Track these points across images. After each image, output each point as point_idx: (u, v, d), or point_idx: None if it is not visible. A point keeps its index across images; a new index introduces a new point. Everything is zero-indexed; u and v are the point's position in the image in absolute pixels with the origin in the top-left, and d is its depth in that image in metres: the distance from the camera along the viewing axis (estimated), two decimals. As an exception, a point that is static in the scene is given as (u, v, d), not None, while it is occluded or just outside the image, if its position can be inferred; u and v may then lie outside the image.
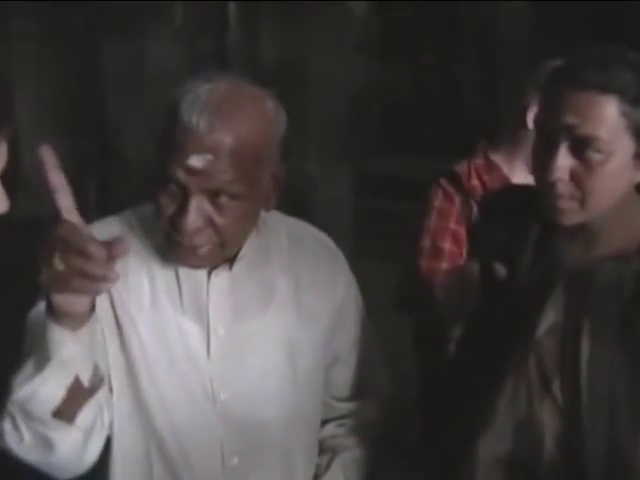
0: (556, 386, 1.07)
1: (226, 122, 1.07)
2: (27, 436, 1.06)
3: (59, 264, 0.95)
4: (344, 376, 1.36)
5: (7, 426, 1.07)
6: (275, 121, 1.14)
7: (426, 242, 1.93)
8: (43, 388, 1.03)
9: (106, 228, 1.22)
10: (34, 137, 5.75)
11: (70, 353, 1.03)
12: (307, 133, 5.31)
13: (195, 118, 1.06)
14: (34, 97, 5.25)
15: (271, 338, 1.23)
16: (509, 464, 1.09)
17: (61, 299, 0.99)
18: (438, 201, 1.95)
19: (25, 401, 1.04)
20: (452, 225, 1.92)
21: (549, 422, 1.07)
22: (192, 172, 1.07)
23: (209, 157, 1.06)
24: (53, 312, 1.01)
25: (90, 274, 0.95)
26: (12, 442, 1.07)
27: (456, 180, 1.95)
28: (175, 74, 5.11)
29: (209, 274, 1.19)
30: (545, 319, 1.07)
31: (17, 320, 1.28)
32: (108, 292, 1.18)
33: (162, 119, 1.11)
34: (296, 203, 4.32)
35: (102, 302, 1.18)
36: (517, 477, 1.09)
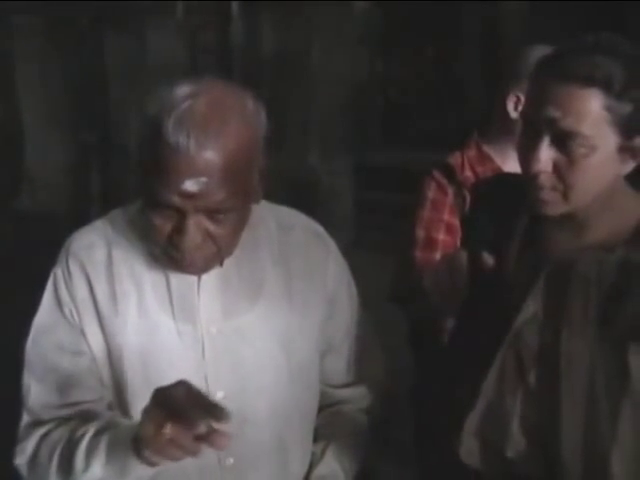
0: (532, 376, 1.08)
1: (215, 140, 1.04)
2: None
3: (167, 432, 0.98)
4: (337, 363, 1.35)
5: None
6: (258, 122, 1.12)
7: (420, 233, 1.94)
8: None
9: (92, 234, 1.24)
10: (38, 132, 5.76)
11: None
12: (308, 126, 5.32)
13: (183, 140, 1.02)
14: (37, 92, 5.27)
15: (264, 330, 1.23)
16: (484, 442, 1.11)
17: (150, 454, 1.03)
18: (431, 193, 1.96)
19: None
20: (446, 216, 1.93)
21: (520, 411, 1.08)
22: (188, 196, 1.05)
23: (203, 179, 1.04)
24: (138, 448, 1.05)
25: (189, 449, 0.99)
26: None
27: (449, 172, 1.96)
28: (177, 68, 5.11)
29: (199, 275, 1.19)
30: (525, 310, 1.08)
31: (18, 311, 1.30)
32: (94, 306, 1.20)
33: (143, 136, 1.08)
34: (297, 195, 4.33)
35: (87, 314, 1.21)
36: (490, 453, 1.12)
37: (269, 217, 1.27)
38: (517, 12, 5.43)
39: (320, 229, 1.34)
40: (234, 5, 5.85)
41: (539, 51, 1.41)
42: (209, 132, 1.03)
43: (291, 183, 4.77)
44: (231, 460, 1.22)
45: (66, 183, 5.42)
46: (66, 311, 1.21)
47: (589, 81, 1.01)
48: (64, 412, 1.21)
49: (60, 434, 1.19)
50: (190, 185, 1.04)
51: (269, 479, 1.26)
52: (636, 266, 1.03)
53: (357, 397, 1.39)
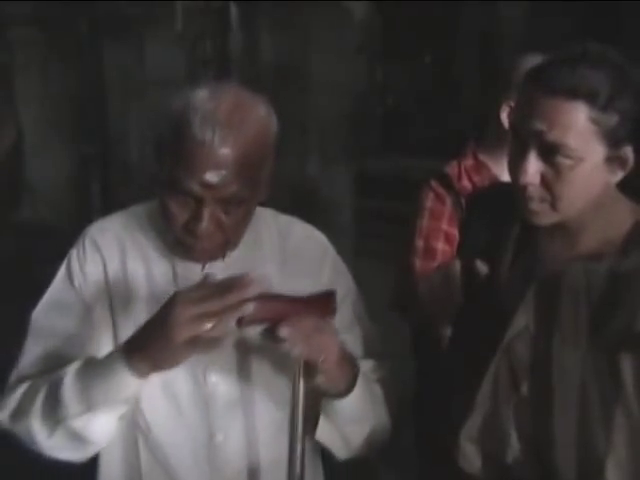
0: (525, 388, 1.08)
1: (235, 138, 1.15)
2: (60, 438, 1.20)
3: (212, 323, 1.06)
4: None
5: (36, 426, 1.19)
6: (271, 125, 1.23)
7: (419, 243, 1.95)
8: (98, 420, 1.17)
9: (109, 222, 1.35)
10: (37, 144, 5.77)
11: (134, 393, 1.16)
12: (308, 134, 5.32)
13: (209, 135, 1.14)
14: (37, 104, 5.28)
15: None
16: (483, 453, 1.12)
17: (180, 351, 1.08)
18: (429, 202, 1.97)
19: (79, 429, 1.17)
20: (444, 226, 1.94)
21: (515, 420, 1.09)
22: (208, 186, 1.15)
23: (223, 171, 1.15)
24: (138, 359, 1.11)
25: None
26: (41, 438, 1.20)
27: (446, 181, 1.98)
28: (176, 78, 5.13)
29: (203, 265, 1.27)
30: (515, 322, 1.09)
31: (17, 320, 1.32)
32: (105, 283, 1.28)
33: (166, 132, 1.18)
34: (297, 203, 4.32)
35: (97, 289, 1.28)
36: (488, 461, 1.12)
37: (270, 221, 1.38)
38: (517, 17, 5.43)
39: (317, 232, 1.42)
40: (233, 15, 5.87)
41: (531, 60, 1.42)
42: (231, 130, 1.15)
43: (291, 192, 4.77)
44: (220, 437, 1.27)
45: (66, 195, 5.42)
46: (76, 283, 1.29)
47: (574, 94, 1.01)
48: (53, 367, 1.24)
49: (44, 380, 1.22)
50: (211, 176, 1.15)
51: (265, 459, 1.30)
52: (624, 275, 1.03)
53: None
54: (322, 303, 1.17)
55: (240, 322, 1.09)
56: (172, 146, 1.17)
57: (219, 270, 1.26)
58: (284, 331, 1.11)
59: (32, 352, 1.28)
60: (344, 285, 1.39)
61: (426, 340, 1.93)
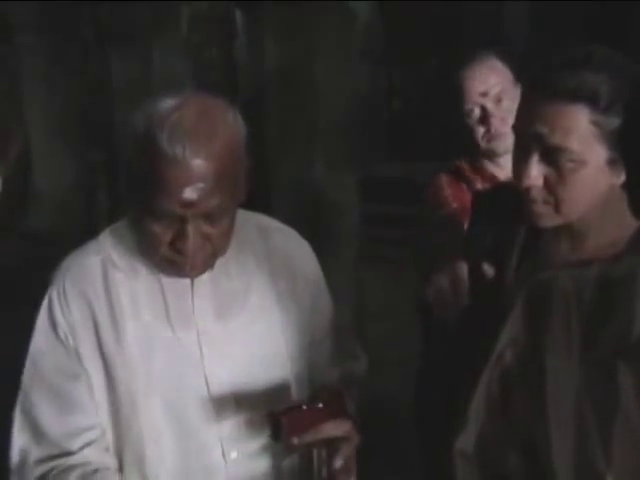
0: (518, 400, 1.06)
1: (206, 148, 1.10)
2: None
3: None
4: (320, 356, 1.38)
5: None
6: (240, 128, 1.19)
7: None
8: None
9: (86, 255, 1.27)
10: (43, 150, 5.76)
11: None
12: (313, 138, 5.32)
13: (179, 150, 1.08)
14: (43, 111, 5.30)
15: (256, 329, 1.29)
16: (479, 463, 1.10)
17: None
18: (449, 189, 1.96)
19: None
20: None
21: (512, 436, 1.07)
22: (188, 204, 1.11)
23: (200, 185, 1.10)
24: None
25: None
26: None
27: (457, 171, 1.99)
28: (182, 84, 5.14)
29: (192, 279, 1.24)
30: (505, 333, 1.07)
31: (19, 330, 1.31)
32: (94, 325, 1.22)
33: (136, 152, 1.13)
34: (302, 208, 4.32)
35: (84, 334, 1.22)
36: (487, 472, 1.10)
37: (249, 223, 1.34)
38: (522, 14, 5.43)
39: (294, 232, 1.41)
40: (238, 20, 5.89)
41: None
42: (200, 140, 1.10)
43: (295, 197, 4.77)
44: (234, 454, 1.26)
45: (72, 201, 5.43)
46: (60, 334, 1.22)
47: (575, 97, 1.01)
48: (64, 444, 1.21)
49: None
50: (189, 193, 1.10)
51: (268, 468, 1.30)
52: (617, 280, 1.00)
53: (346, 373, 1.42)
54: (335, 406, 1.21)
55: (276, 438, 1.15)
56: (142, 167, 1.12)
57: (207, 283, 1.25)
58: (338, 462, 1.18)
59: (40, 414, 1.22)
60: (323, 281, 1.40)
61: (435, 340, 1.93)
